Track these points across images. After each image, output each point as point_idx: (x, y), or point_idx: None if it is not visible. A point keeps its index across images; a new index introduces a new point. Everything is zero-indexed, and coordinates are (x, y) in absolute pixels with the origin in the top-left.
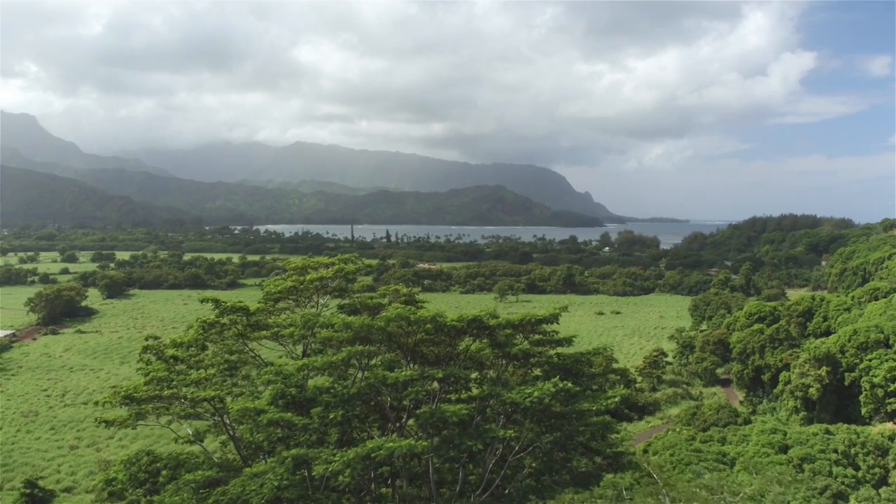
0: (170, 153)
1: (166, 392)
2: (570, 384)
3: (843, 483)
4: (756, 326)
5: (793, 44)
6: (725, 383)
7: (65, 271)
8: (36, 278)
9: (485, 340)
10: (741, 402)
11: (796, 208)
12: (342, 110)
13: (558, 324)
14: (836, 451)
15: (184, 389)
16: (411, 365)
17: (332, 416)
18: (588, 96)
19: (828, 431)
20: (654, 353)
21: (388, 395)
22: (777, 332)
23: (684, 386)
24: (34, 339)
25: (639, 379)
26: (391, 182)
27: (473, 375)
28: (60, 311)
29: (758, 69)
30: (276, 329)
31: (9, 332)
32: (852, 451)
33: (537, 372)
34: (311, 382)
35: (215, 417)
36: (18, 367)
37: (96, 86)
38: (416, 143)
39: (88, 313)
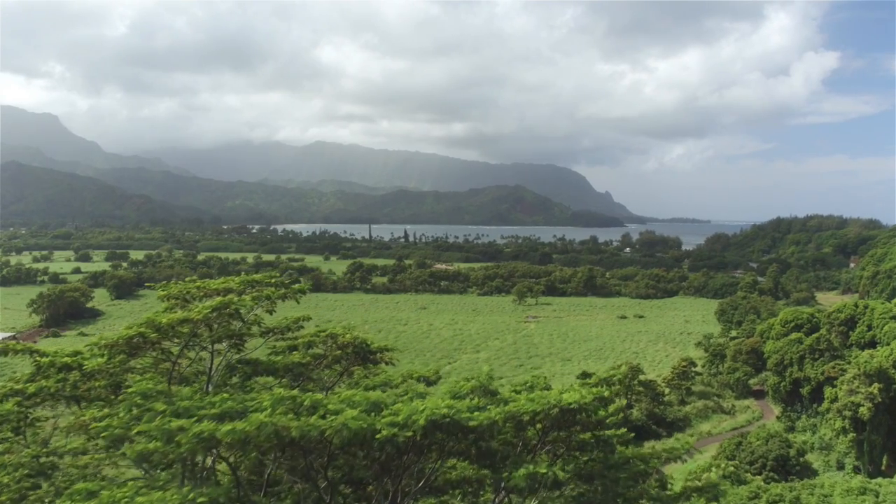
0: (191, 153)
1: None
2: None
3: None
4: (793, 335)
5: (816, 43)
6: (759, 395)
7: (77, 271)
8: (46, 278)
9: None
10: (778, 418)
11: (819, 208)
12: (363, 110)
13: (606, 410)
14: None
15: None
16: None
17: None
18: (609, 96)
19: None
20: (683, 363)
21: None
22: (817, 341)
23: (715, 398)
24: (34, 343)
25: (666, 391)
26: (410, 182)
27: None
28: (64, 313)
29: (780, 69)
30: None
31: (9, 334)
32: None
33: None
34: None
35: None
36: (13, 372)
37: (120, 86)
38: (437, 143)
39: (94, 315)
